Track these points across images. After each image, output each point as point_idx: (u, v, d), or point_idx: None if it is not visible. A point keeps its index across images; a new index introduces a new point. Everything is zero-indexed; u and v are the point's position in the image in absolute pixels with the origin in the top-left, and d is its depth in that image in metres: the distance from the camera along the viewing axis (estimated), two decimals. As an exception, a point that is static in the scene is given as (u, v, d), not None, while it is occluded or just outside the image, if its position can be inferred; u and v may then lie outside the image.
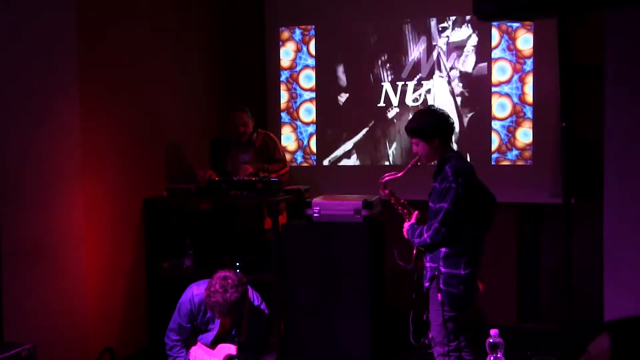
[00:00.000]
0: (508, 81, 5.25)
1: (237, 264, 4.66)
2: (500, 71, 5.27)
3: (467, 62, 5.33)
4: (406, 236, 3.50)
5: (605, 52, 3.72)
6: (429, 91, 5.42)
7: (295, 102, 5.82)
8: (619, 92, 3.68)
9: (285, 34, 5.82)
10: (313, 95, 5.77)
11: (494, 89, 5.29)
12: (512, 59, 5.23)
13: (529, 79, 5.18)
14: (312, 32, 5.75)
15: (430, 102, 5.42)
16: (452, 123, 3.46)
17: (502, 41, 5.25)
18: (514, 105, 5.23)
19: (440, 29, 5.39)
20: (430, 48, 5.42)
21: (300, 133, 5.81)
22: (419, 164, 3.51)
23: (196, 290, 3.77)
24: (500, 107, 5.28)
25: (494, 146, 5.30)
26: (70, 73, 4.14)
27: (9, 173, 3.72)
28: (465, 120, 5.34)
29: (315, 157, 5.79)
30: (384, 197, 3.76)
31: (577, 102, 4.93)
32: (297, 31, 5.79)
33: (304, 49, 5.77)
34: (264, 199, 4.69)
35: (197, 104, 5.56)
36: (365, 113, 5.62)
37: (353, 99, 5.65)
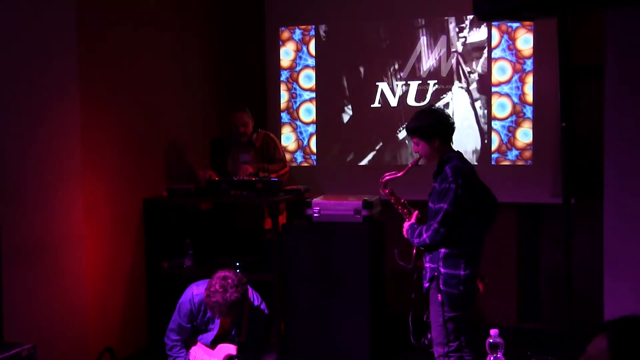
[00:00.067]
0: (508, 81, 5.25)
1: (237, 264, 4.66)
2: (500, 71, 5.27)
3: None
4: (406, 236, 3.50)
5: (605, 52, 3.72)
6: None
7: (295, 102, 5.82)
8: (619, 92, 3.69)
9: (285, 34, 5.82)
10: (313, 95, 5.77)
11: (494, 89, 5.29)
12: (512, 59, 5.23)
13: (529, 79, 5.18)
14: (312, 32, 5.75)
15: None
16: (453, 123, 3.45)
17: (502, 41, 5.25)
18: (514, 105, 5.23)
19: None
20: (430, 47, 5.41)
21: (300, 133, 5.81)
22: (419, 164, 3.51)
23: (196, 290, 3.77)
24: (500, 107, 5.28)
25: (494, 146, 5.30)
26: (70, 73, 4.14)
27: (9, 173, 3.72)
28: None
29: (315, 157, 5.79)
30: (384, 197, 3.76)
31: (577, 102, 4.94)
32: (297, 31, 5.79)
33: (304, 49, 5.77)
34: (264, 199, 4.69)
35: (197, 104, 5.56)
36: (363, 113, 5.62)
37: (352, 99, 5.64)
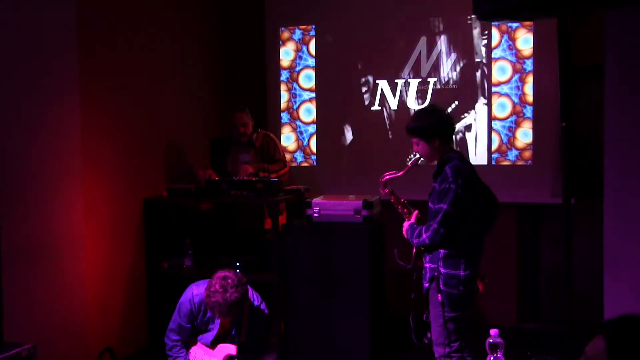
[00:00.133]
0: (508, 81, 5.25)
1: (237, 264, 4.66)
2: (500, 71, 5.27)
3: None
4: (405, 236, 3.49)
5: (605, 52, 3.72)
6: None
7: (295, 102, 5.82)
8: (619, 92, 3.69)
9: (285, 34, 5.82)
10: (313, 95, 5.77)
11: (494, 89, 5.29)
12: (512, 59, 5.23)
13: (529, 79, 5.18)
14: (312, 32, 5.75)
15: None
16: (453, 123, 3.45)
17: (502, 41, 5.25)
18: (514, 105, 5.23)
19: (441, 28, 5.40)
20: (430, 47, 5.41)
21: (300, 133, 5.81)
22: (419, 163, 3.50)
23: (196, 290, 3.77)
24: (500, 107, 5.28)
25: (494, 146, 5.30)
26: (71, 73, 4.14)
27: (9, 173, 3.72)
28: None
29: (315, 157, 5.79)
30: (384, 196, 3.75)
31: (577, 102, 4.94)
32: (297, 31, 5.79)
33: (304, 49, 5.77)
34: (264, 199, 4.69)
35: (197, 104, 5.56)
36: (364, 113, 5.61)
37: (352, 99, 5.64)
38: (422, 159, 3.47)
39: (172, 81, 5.21)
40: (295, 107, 5.82)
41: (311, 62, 5.76)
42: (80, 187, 4.20)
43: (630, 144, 3.66)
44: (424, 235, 3.30)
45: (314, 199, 4.65)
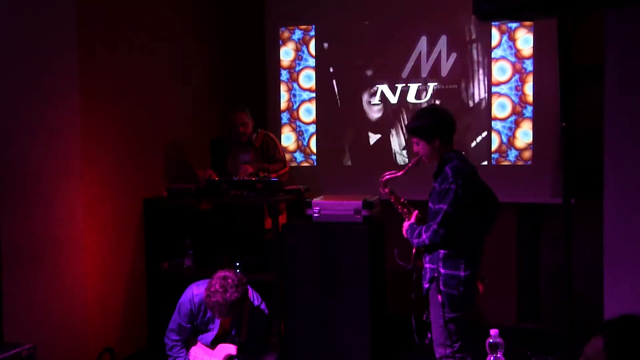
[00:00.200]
0: (508, 81, 5.25)
1: (237, 264, 4.66)
2: (500, 71, 5.27)
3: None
4: (405, 236, 3.48)
5: (605, 52, 3.71)
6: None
7: (295, 102, 5.82)
8: (619, 92, 3.68)
9: (285, 34, 5.82)
10: (313, 95, 5.77)
11: (494, 89, 5.29)
12: (512, 59, 5.23)
13: (529, 79, 5.18)
14: (312, 32, 5.75)
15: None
16: (454, 123, 3.43)
17: (502, 41, 5.25)
18: (514, 105, 5.23)
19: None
20: (430, 47, 5.41)
21: (301, 133, 5.81)
22: (419, 163, 3.49)
23: (196, 290, 3.77)
24: (500, 107, 5.28)
25: (494, 146, 5.30)
26: (70, 73, 4.14)
27: (9, 173, 3.72)
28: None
29: (315, 157, 5.79)
30: (384, 196, 3.75)
31: (577, 102, 4.93)
32: (297, 31, 5.79)
33: (304, 49, 5.77)
34: (264, 199, 4.69)
35: (197, 104, 5.56)
36: (364, 113, 5.62)
37: (352, 99, 5.64)
38: (421, 158, 3.46)
39: (172, 81, 5.21)
40: (295, 107, 5.82)
41: (311, 62, 5.76)
42: (80, 187, 4.20)
43: (630, 144, 3.66)
44: (424, 236, 3.29)
45: (314, 199, 4.65)
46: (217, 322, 3.73)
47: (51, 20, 4.02)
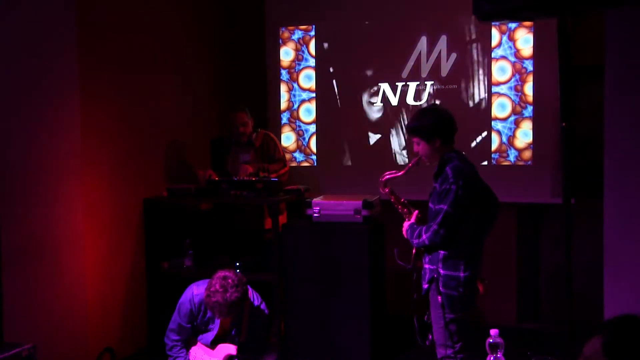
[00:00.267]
0: (508, 81, 5.25)
1: (237, 264, 4.66)
2: (500, 71, 5.27)
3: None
4: (405, 236, 3.48)
5: (605, 52, 3.71)
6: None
7: (295, 102, 5.82)
8: (619, 92, 3.68)
9: (285, 34, 5.82)
10: (313, 95, 5.77)
11: (494, 89, 5.29)
12: (512, 59, 5.23)
13: (529, 79, 5.18)
14: (312, 32, 5.75)
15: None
16: (454, 123, 3.41)
17: (502, 41, 5.25)
18: (514, 105, 5.23)
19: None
20: (430, 47, 5.41)
21: (301, 133, 5.81)
22: (419, 164, 3.48)
23: (196, 290, 3.77)
24: (500, 107, 5.28)
25: (494, 146, 5.30)
26: (70, 73, 4.14)
27: (9, 173, 3.72)
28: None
29: (315, 157, 5.79)
30: (384, 196, 3.74)
31: (577, 102, 4.93)
32: (297, 31, 5.79)
33: (304, 49, 5.77)
34: (264, 199, 4.69)
35: (197, 104, 5.56)
36: (364, 113, 5.62)
37: (352, 99, 5.64)
38: (422, 159, 3.45)
39: (172, 81, 5.21)
40: (295, 107, 5.82)
41: (311, 62, 5.76)
42: (80, 187, 4.20)
43: (630, 144, 3.65)
44: (424, 236, 3.28)
45: (314, 199, 4.65)
46: (217, 322, 3.73)
47: (51, 20, 4.02)
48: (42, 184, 3.95)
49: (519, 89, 5.21)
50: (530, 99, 5.18)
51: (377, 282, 4.65)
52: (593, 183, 4.05)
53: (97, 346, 4.34)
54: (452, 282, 3.26)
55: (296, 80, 5.81)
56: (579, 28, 4.82)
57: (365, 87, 5.61)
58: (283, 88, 5.84)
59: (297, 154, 5.83)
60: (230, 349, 3.67)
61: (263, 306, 3.85)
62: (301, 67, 5.79)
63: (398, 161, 5.54)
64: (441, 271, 3.27)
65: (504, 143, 5.27)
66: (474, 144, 5.34)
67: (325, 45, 5.71)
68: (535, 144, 5.18)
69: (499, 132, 5.29)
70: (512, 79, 5.23)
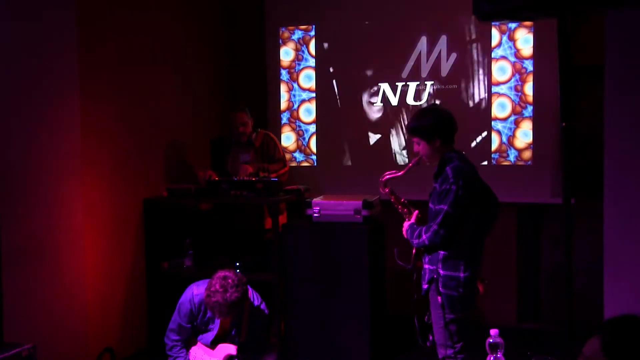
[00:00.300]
0: (508, 81, 5.25)
1: (237, 264, 4.66)
2: (500, 71, 5.27)
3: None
4: (405, 236, 3.47)
5: (605, 52, 3.71)
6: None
7: (295, 102, 5.82)
8: (619, 92, 3.68)
9: (285, 34, 5.82)
10: (313, 95, 5.77)
11: (494, 89, 5.29)
12: (512, 59, 5.23)
13: (529, 79, 5.18)
14: (312, 32, 5.75)
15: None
16: (455, 123, 3.40)
17: (502, 41, 5.25)
18: (514, 105, 5.23)
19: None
20: (430, 47, 5.41)
21: (300, 133, 5.81)
22: (419, 164, 3.48)
23: (196, 290, 3.77)
24: (500, 107, 5.28)
25: (494, 146, 5.30)
26: (70, 73, 4.14)
27: (9, 173, 3.72)
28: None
29: (315, 157, 5.79)
30: (384, 196, 3.74)
31: (577, 102, 4.93)
32: (297, 31, 5.79)
33: (304, 49, 5.77)
34: (264, 199, 4.69)
35: (197, 104, 5.57)
36: (364, 113, 5.62)
37: (352, 99, 5.64)
38: (422, 159, 3.44)
39: (172, 81, 5.21)
40: (295, 107, 5.82)
41: (311, 62, 5.76)
42: (80, 187, 4.20)
43: (630, 144, 3.65)
44: (424, 236, 3.28)
45: (314, 199, 4.65)
46: (217, 322, 3.73)
47: (51, 20, 4.02)
48: (42, 184, 3.95)
49: (519, 89, 5.21)
50: (530, 99, 5.18)
51: (377, 282, 4.65)
52: (593, 183, 4.05)
53: (97, 346, 4.34)
54: (452, 283, 3.25)
55: (296, 80, 5.81)
56: (579, 28, 4.82)
57: (365, 87, 5.61)
58: (283, 88, 5.84)
59: (297, 154, 5.83)
60: (230, 349, 3.67)
61: (263, 306, 3.85)
62: (301, 67, 5.79)
63: (398, 161, 5.54)
64: (441, 271, 3.27)
65: (504, 143, 5.27)
66: (474, 144, 5.33)
67: (325, 45, 5.71)
68: (535, 144, 5.18)
69: (499, 132, 5.29)
70: (512, 79, 5.23)
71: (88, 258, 4.27)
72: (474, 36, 5.31)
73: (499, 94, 5.27)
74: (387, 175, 3.57)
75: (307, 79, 5.78)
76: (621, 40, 3.65)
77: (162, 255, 4.86)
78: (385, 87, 5.55)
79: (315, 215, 4.58)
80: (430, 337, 3.41)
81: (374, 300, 4.53)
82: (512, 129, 5.25)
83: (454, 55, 5.37)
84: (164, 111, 5.10)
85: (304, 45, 5.77)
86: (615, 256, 3.71)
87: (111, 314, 4.51)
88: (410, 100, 5.50)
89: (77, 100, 4.16)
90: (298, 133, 5.82)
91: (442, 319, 3.29)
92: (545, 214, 5.33)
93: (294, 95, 5.82)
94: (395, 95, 5.53)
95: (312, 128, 5.79)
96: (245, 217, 5.17)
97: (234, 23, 6.03)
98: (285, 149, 5.71)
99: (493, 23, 5.17)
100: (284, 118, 5.85)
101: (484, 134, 5.31)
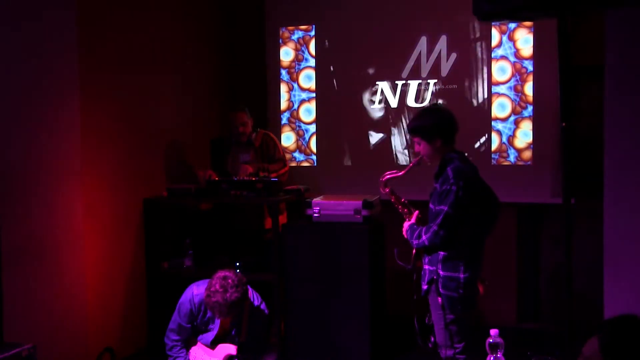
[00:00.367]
0: (508, 81, 5.25)
1: (237, 264, 4.66)
2: (500, 71, 5.27)
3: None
4: (405, 236, 3.47)
5: (605, 52, 3.71)
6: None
7: (295, 102, 5.82)
8: (619, 92, 3.68)
9: (285, 34, 5.82)
10: (313, 95, 5.77)
11: (494, 89, 5.29)
12: (512, 59, 5.22)
13: (529, 79, 5.18)
14: (312, 32, 5.75)
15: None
16: (456, 123, 3.40)
17: (502, 41, 5.25)
18: (514, 105, 5.23)
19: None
20: (430, 47, 5.41)
21: (301, 133, 5.81)
22: (420, 164, 3.47)
23: (196, 290, 3.77)
24: (500, 107, 5.28)
25: (494, 146, 5.30)
26: (70, 73, 4.14)
27: (9, 173, 3.72)
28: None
29: (315, 157, 5.79)
30: (384, 196, 3.74)
31: (577, 102, 4.93)
32: (297, 31, 5.79)
33: (304, 48, 5.77)
34: (264, 199, 4.69)
35: (197, 104, 5.57)
36: (364, 113, 5.62)
37: (352, 99, 5.64)
38: (423, 159, 3.44)
39: (172, 81, 5.21)
40: (295, 107, 5.82)
41: (311, 62, 5.76)
42: (80, 187, 4.20)
43: (630, 144, 3.65)
44: (424, 237, 3.28)
45: (314, 199, 4.65)
46: (217, 322, 3.73)
47: (51, 20, 4.02)
48: (42, 184, 3.95)
49: (519, 89, 5.21)
50: (530, 99, 5.18)
51: (377, 282, 4.65)
52: (593, 183, 4.05)
53: (97, 346, 4.34)
54: (452, 284, 3.25)
55: (296, 80, 5.81)
56: (579, 28, 4.82)
57: (366, 87, 5.61)
58: (283, 88, 5.84)
59: (297, 154, 5.83)
60: (230, 349, 3.67)
61: (263, 306, 3.85)
62: (301, 67, 5.79)
63: (400, 161, 5.54)
64: (441, 272, 3.26)
65: (504, 143, 5.27)
66: (474, 144, 5.33)
67: (326, 44, 5.71)
68: (535, 144, 5.18)
69: (499, 132, 5.29)
70: (512, 79, 5.23)
71: (88, 258, 4.26)
72: (473, 36, 5.31)
73: (499, 94, 5.27)
74: (388, 175, 3.56)
75: (307, 79, 5.78)
76: (621, 40, 3.65)
77: (162, 255, 4.86)
78: (385, 87, 5.55)
79: (315, 215, 4.58)
80: (432, 339, 3.41)
81: (374, 300, 4.53)
82: (512, 129, 5.25)
83: (454, 55, 5.37)
84: (164, 111, 5.10)
85: (304, 45, 5.77)
86: (615, 256, 3.71)
87: (111, 314, 4.51)
88: (410, 100, 5.49)
89: (77, 100, 4.16)
90: (298, 133, 5.82)
91: (442, 320, 3.28)
92: (545, 214, 5.33)
93: (294, 95, 5.82)
94: (395, 95, 5.53)
95: (312, 128, 5.79)
96: (245, 217, 5.17)
97: (234, 23, 6.03)
98: (285, 149, 5.71)
99: (493, 23, 5.17)
100: (284, 118, 5.85)
101: (484, 137, 5.30)
